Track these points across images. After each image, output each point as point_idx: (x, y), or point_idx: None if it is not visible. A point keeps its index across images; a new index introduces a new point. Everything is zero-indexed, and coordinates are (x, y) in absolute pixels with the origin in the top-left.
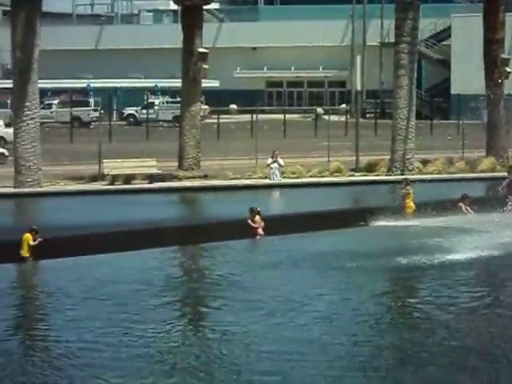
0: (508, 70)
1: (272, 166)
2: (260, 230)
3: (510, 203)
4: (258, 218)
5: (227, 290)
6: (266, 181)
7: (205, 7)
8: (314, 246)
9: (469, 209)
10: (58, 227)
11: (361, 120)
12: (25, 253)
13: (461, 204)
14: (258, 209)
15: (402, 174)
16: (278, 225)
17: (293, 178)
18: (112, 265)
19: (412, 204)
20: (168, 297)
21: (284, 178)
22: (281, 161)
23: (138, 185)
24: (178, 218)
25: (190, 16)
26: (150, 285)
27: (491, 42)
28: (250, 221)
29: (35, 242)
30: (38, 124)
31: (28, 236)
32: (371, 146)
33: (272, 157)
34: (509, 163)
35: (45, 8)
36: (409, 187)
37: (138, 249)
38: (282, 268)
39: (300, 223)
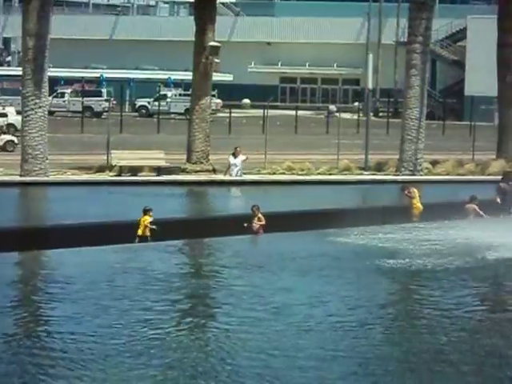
0: None
1: (233, 162)
2: (257, 225)
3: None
4: (259, 215)
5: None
6: (270, 177)
7: (220, 0)
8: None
9: (478, 211)
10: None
11: (373, 119)
12: (142, 232)
13: (468, 206)
14: (257, 206)
15: (411, 175)
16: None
17: (302, 175)
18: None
19: (419, 205)
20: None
21: (260, 174)
22: (243, 157)
23: (144, 177)
24: (181, 211)
25: (203, 9)
26: None
27: (504, 45)
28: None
29: (150, 221)
30: (46, 113)
31: (145, 218)
32: (382, 145)
33: (233, 154)
34: None
35: None
36: (412, 189)
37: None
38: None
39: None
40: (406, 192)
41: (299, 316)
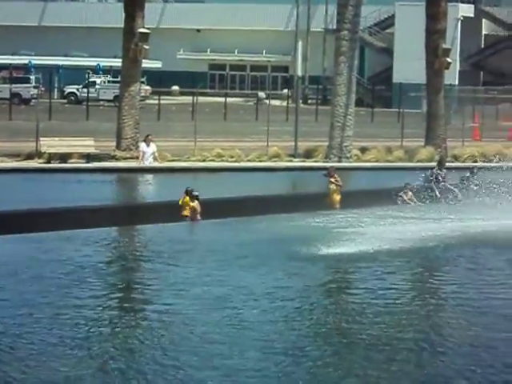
0: (448, 60)
1: (146, 150)
2: (197, 215)
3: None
4: (195, 202)
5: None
6: (200, 164)
7: None
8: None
9: (413, 198)
10: None
11: (302, 106)
12: (186, 213)
13: (402, 194)
14: (196, 193)
15: (339, 162)
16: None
17: (231, 162)
18: None
19: (337, 196)
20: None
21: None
22: (153, 145)
23: (73, 164)
24: (109, 198)
25: None
26: None
27: (433, 32)
28: (180, 202)
29: (194, 203)
30: None
31: (187, 198)
32: (311, 132)
33: (145, 141)
34: (447, 153)
35: None
36: (335, 176)
37: None
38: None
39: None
40: (327, 175)
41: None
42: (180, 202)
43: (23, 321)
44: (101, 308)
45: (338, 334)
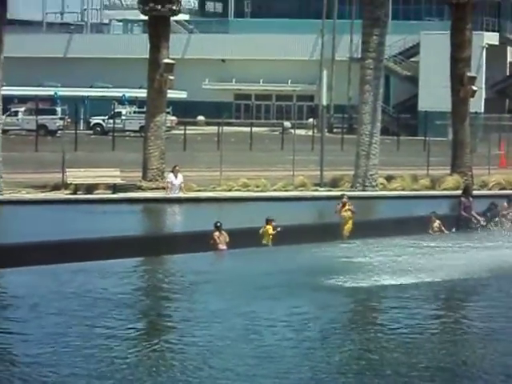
0: (474, 88)
1: (174, 181)
2: (221, 245)
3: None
4: (219, 232)
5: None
6: (226, 193)
7: (174, 18)
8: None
9: (441, 227)
10: None
11: (328, 135)
12: (267, 241)
13: (432, 222)
14: (219, 223)
15: (365, 190)
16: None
17: (257, 191)
18: None
19: (350, 225)
20: None
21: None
22: (180, 176)
23: (100, 195)
24: (134, 229)
25: (157, 26)
26: None
27: (458, 60)
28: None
29: (274, 232)
30: (0, 131)
31: (268, 227)
32: (337, 161)
33: (172, 171)
34: (473, 181)
35: (15, 16)
36: (348, 203)
37: None
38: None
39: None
40: (343, 206)
41: None
42: (260, 232)
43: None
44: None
45: None
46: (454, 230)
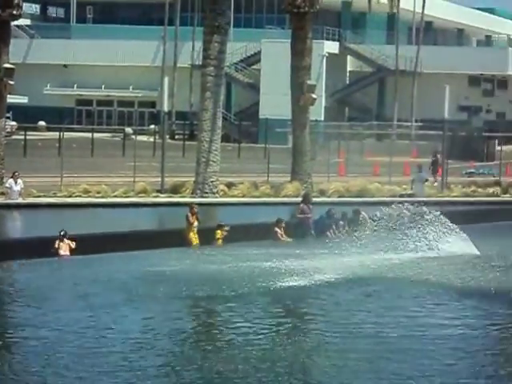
0: (313, 96)
1: (14, 187)
2: (63, 251)
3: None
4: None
5: None
6: (67, 199)
7: (15, 23)
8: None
9: (283, 234)
10: None
11: (169, 141)
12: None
13: (276, 229)
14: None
15: (205, 197)
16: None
17: (98, 197)
18: None
19: (194, 236)
20: None
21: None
22: (20, 182)
23: None
24: None
25: None
26: None
27: (298, 68)
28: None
29: (222, 236)
30: None
31: (218, 232)
32: (178, 168)
33: (12, 177)
34: (312, 189)
35: None
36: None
37: None
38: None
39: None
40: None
41: None
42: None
43: None
44: None
45: None
46: (291, 239)
